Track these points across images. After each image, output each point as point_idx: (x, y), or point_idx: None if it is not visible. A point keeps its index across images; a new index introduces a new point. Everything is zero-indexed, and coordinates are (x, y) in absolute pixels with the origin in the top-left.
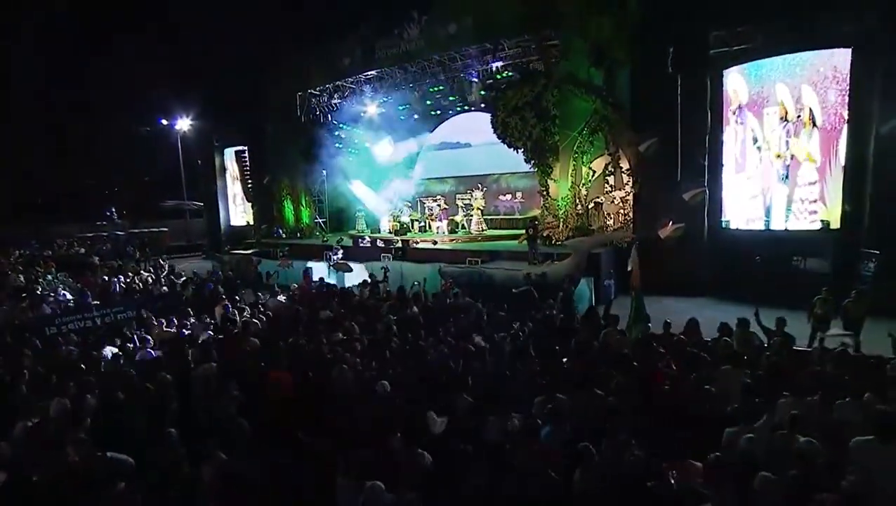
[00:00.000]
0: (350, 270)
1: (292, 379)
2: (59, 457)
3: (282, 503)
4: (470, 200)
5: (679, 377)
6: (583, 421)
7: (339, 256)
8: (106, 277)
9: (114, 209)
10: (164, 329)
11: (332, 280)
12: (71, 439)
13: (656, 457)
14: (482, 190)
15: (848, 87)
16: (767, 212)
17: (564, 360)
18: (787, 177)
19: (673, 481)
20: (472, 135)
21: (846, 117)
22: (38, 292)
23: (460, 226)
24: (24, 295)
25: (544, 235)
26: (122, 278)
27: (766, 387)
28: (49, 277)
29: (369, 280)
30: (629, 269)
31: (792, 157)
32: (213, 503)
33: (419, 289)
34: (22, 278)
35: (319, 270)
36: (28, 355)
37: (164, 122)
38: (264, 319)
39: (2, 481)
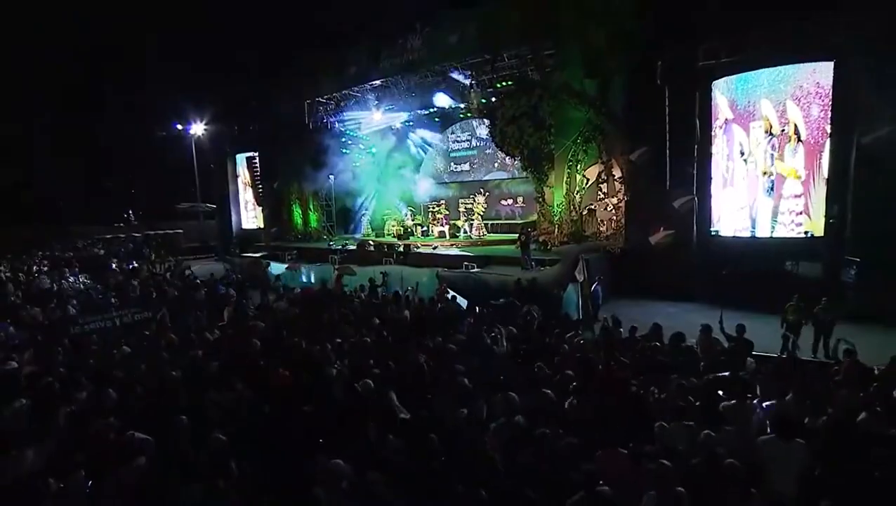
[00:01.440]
0: (354, 273)
1: (291, 376)
2: (93, 436)
3: (268, 481)
4: (471, 204)
5: (632, 379)
6: (535, 415)
7: (338, 258)
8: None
9: (130, 211)
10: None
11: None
12: (99, 423)
13: (594, 445)
14: (484, 195)
15: (830, 102)
16: (754, 224)
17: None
18: (772, 189)
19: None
20: (475, 140)
21: (829, 131)
22: (64, 292)
23: (462, 230)
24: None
25: (541, 240)
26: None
27: (705, 388)
28: (72, 278)
29: (368, 284)
30: (580, 279)
31: (777, 170)
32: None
33: (412, 294)
34: (48, 280)
35: (325, 272)
36: (60, 352)
37: (179, 126)
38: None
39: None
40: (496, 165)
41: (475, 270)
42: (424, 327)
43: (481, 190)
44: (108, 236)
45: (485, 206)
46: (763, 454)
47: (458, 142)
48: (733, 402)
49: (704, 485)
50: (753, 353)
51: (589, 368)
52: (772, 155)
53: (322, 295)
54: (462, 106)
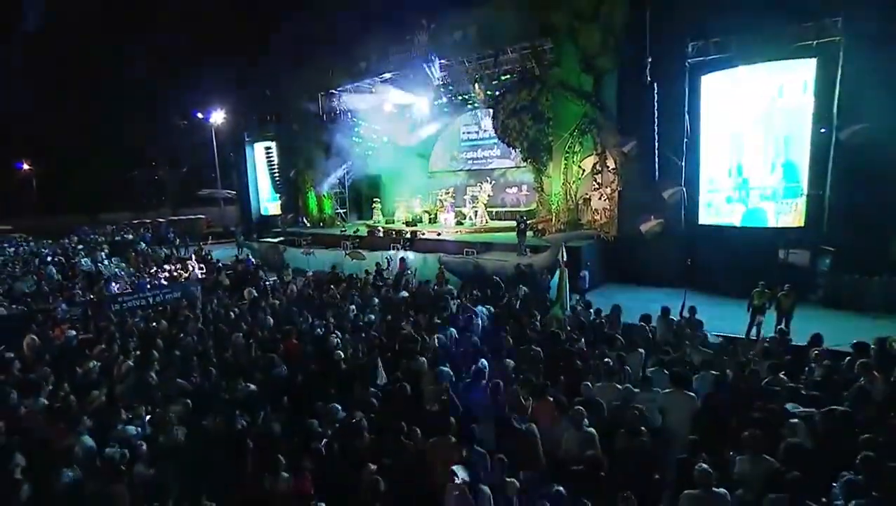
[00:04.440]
0: (364, 258)
1: (301, 346)
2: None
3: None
4: (478, 192)
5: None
6: (498, 378)
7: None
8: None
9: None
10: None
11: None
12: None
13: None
14: (491, 183)
15: (813, 97)
16: (746, 216)
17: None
18: (756, 180)
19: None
20: (481, 130)
21: (811, 124)
22: (104, 274)
23: (467, 218)
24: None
25: (539, 227)
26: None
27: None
28: (107, 261)
29: (375, 268)
30: (559, 266)
31: (761, 162)
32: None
33: (411, 277)
34: (90, 262)
35: (337, 257)
36: (109, 324)
37: (199, 115)
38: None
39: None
40: (502, 153)
41: (474, 255)
42: (418, 306)
43: (488, 178)
44: (135, 222)
45: (490, 194)
46: (663, 403)
47: (467, 132)
48: (654, 368)
49: (613, 427)
50: (715, 333)
51: (551, 341)
52: (756, 147)
53: (332, 278)
54: (468, 96)
